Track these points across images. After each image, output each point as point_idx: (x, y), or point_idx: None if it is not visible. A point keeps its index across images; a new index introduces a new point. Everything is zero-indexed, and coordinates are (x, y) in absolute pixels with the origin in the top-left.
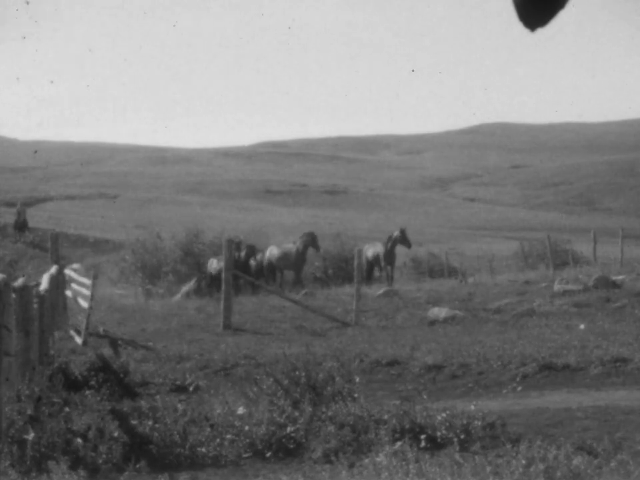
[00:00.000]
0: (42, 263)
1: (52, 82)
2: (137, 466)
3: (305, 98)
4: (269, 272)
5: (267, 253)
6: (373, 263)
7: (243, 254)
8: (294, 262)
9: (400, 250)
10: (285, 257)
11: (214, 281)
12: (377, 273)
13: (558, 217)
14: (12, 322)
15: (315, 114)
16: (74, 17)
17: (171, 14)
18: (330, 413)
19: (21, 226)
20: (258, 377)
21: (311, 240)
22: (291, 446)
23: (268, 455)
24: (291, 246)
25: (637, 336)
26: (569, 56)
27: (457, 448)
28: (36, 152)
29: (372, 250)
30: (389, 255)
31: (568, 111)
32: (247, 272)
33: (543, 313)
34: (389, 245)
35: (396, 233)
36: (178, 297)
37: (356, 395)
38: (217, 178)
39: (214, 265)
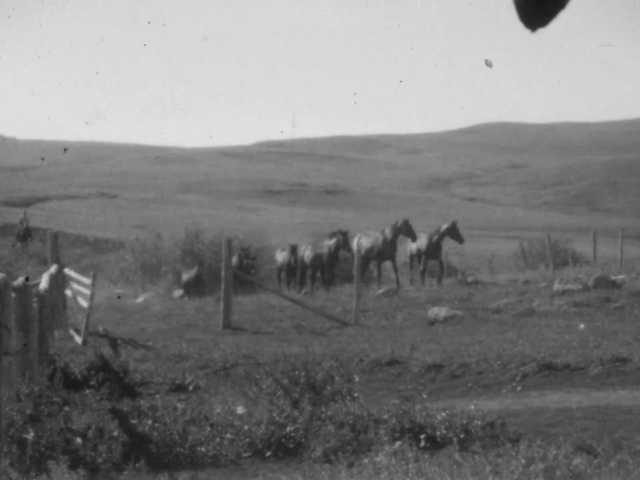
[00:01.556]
0: (42, 262)
1: (52, 80)
2: (137, 465)
3: (305, 98)
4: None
5: (355, 243)
6: (416, 255)
7: (332, 244)
8: (381, 251)
9: (401, 248)
10: (372, 247)
11: (280, 273)
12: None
13: (558, 217)
14: (11, 321)
15: (315, 114)
16: (74, 17)
17: (172, 14)
18: (329, 413)
19: (24, 236)
20: (257, 377)
21: (405, 228)
22: (291, 445)
23: (267, 454)
24: (378, 234)
25: (637, 336)
26: (569, 56)
27: (457, 447)
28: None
29: (417, 242)
30: (434, 249)
31: (568, 111)
32: (334, 264)
33: (543, 312)
34: (435, 238)
35: (445, 226)
36: (180, 292)
37: (355, 395)
38: (216, 177)
39: (283, 256)
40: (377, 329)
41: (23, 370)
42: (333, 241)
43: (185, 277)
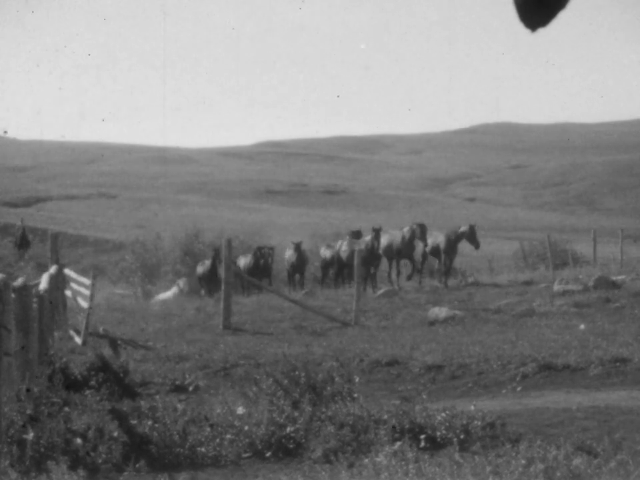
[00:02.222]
0: (41, 263)
1: (52, 80)
2: (137, 466)
3: (305, 98)
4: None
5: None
6: (430, 254)
7: (369, 240)
8: (399, 249)
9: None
10: (390, 244)
11: (325, 269)
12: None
13: (558, 217)
14: (11, 322)
15: (315, 114)
16: (74, 17)
17: (172, 14)
18: (329, 413)
19: (21, 244)
20: (258, 377)
21: (419, 231)
22: (291, 446)
23: (268, 454)
24: (397, 232)
25: (637, 336)
26: (569, 56)
27: (457, 448)
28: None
29: (431, 240)
30: (452, 249)
31: (568, 111)
32: (375, 261)
33: (543, 313)
34: (453, 238)
35: (463, 228)
36: (169, 293)
37: (355, 395)
38: (217, 178)
39: (328, 253)
40: (377, 330)
41: (23, 370)
42: (369, 237)
43: (200, 269)
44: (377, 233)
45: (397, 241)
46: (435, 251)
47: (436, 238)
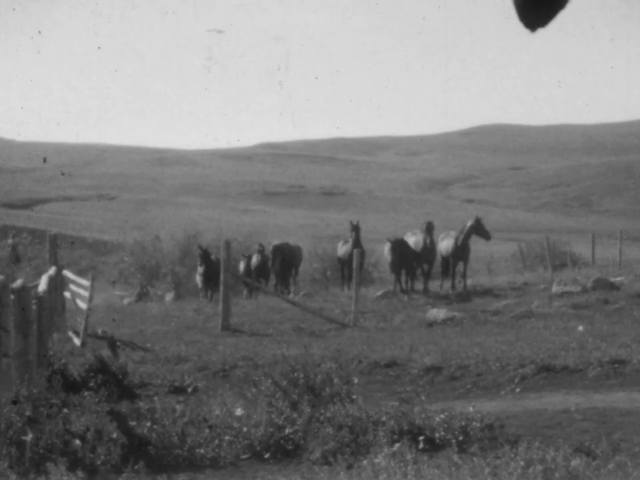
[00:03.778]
0: (41, 264)
1: (51, 81)
2: (136, 467)
3: (304, 99)
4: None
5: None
6: (445, 257)
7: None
8: (419, 253)
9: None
10: (414, 247)
11: (343, 265)
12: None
13: (556, 219)
14: (10, 323)
15: (314, 115)
16: (74, 17)
17: (172, 15)
18: (328, 415)
19: (16, 260)
20: (256, 378)
21: (430, 229)
22: (290, 447)
23: (266, 456)
24: (420, 235)
25: (636, 337)
26: (569, 57)
27: (456, 449)
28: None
29: (445, 242)
30: (460, 250)
31: (566, 113)
32: (417, 263)
33: (542, 314)
34: (460, 238)
35: (469, 223)
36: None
37: (354, 397)
38: (215, 179)
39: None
40: (375, 331)
41: (22, 372)
42: (413, 239)
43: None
44: (401, 241)
45: (419, 243)
46: (447, 254)
47: (449, 240)
